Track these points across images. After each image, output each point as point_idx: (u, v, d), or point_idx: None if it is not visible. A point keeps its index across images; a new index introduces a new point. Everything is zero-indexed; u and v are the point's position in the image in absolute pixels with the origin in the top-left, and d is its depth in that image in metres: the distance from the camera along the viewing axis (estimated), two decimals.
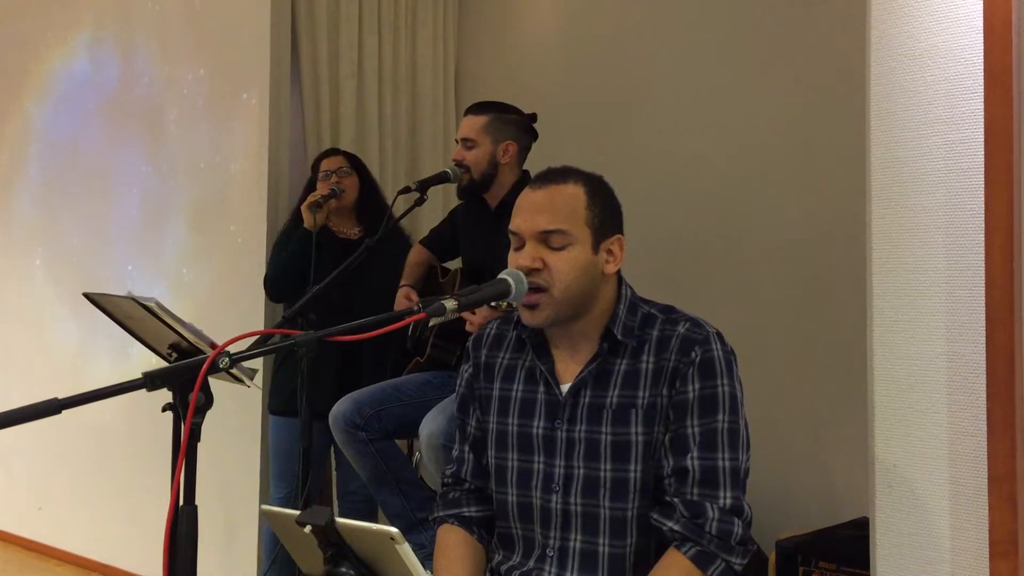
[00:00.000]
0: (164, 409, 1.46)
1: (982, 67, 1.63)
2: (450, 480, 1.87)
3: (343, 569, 1.40)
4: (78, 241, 4.52)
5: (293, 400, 2.86)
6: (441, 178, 2.80)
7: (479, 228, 2.82)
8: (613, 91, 3.72)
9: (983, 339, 1.62)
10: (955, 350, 1.69)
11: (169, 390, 1.34)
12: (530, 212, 1.68)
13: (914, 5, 1.75)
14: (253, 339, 1.58)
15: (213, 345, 1.99)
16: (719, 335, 1.70)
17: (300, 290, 2.96)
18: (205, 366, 1.32)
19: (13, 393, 4.63)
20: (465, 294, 1.57)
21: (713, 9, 3.45)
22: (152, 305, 2.13)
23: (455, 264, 3.04)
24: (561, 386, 1.72)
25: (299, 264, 3.05)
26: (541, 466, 1.71)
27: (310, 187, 3.25)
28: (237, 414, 3.35)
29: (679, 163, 3.51)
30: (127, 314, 2.33)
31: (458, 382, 1.89)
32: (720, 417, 1.64)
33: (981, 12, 1.63)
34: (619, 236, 1.73)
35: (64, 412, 1.25)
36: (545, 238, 1.66)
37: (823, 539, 2.72)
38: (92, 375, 4.31)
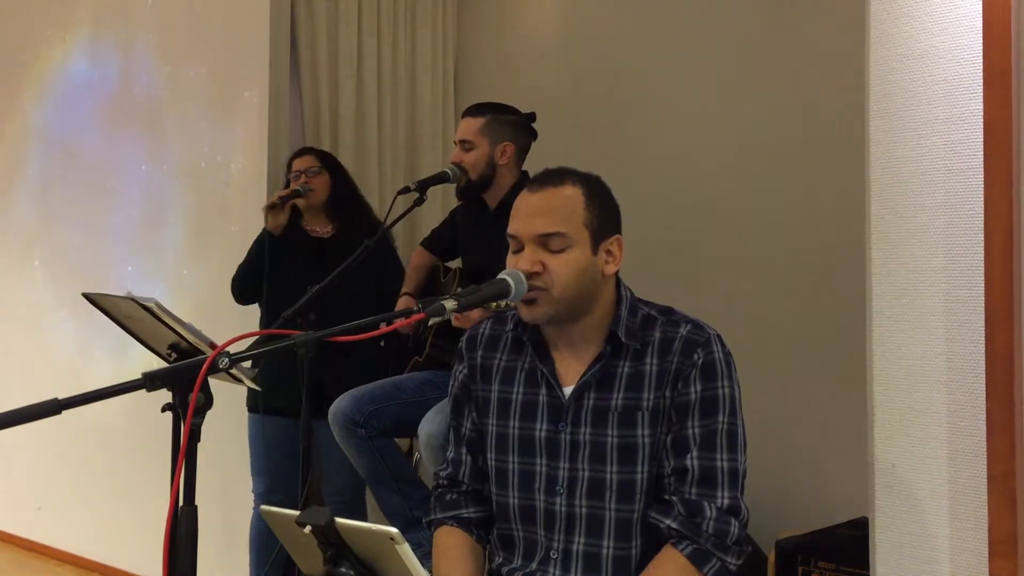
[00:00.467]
0: (164, 409, 1.46)
1: (981, 67, 1.63)
2: (446, 482, 1.85)
3: (343, 569, 1.40)
4: (77, 241, 4.51)
5: (265, 397, 2.92)
6: (440, 178, 2.80)
7: (478, 229, 2.82)
8: (612, 91, 3.72)
9: (982, 339, 1.62)
10: (954, 350, 1.69)
11: (169, 390, 1.34)
12: (528, 215, 1.68)
13: (913, 5, 1.75)
14: (253, 339, 1.58)
15: (213, 345, 1.99)
16: (719, 337, 1.71)
17: (259, 291, 3.10)
18: (205, 366, 1.32)
19: (13, 393, 4.63)
20: (465, 294, 1.57)
21: (712, 9, 3.45)
22: (152, 305, 2.12)
23: (457, 263, 3.04)
24: (563, 388, 1.72)
25: (255, 265, 3.11)
26: (544, 469, 1.71)
27: (285, 187, 3.26)
28: (237, 414, 3.35)
29: (678, 163, 3.51)
30: (126, 314, 2.33)
31: (451, 383, 1.88)
32: (720, 418, 1.65)
33: (980, 13, 1.63)
34: (618, 236, 1.73)
35: (64, 412, 1.25)
36: (544, 241, 1.65)
37: (822, 539, 2.73)
38: (92, 375, 4.31)
